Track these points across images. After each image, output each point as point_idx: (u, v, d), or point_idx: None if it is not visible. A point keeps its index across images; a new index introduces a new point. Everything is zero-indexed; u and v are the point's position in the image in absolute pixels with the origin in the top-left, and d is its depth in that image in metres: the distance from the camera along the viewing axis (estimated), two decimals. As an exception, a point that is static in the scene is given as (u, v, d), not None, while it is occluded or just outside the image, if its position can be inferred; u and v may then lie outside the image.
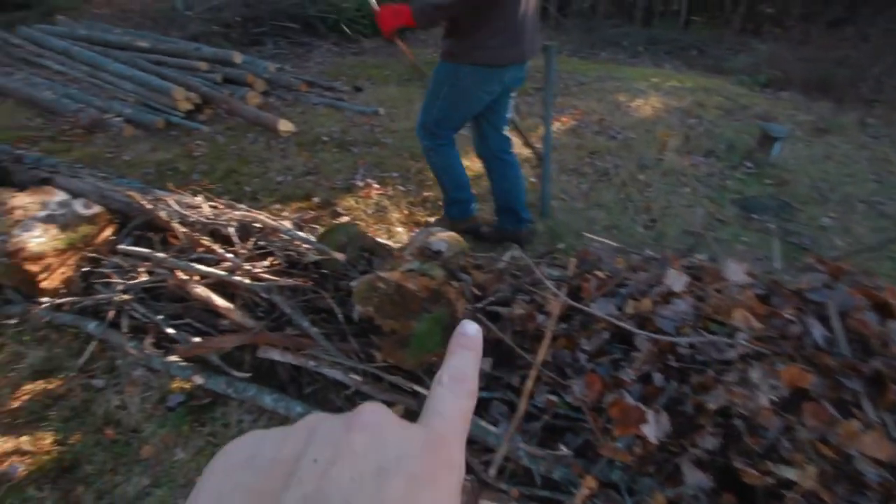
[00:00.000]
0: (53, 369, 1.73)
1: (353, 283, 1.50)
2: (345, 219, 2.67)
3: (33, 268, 1.93)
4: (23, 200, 2.22)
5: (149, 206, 2.16)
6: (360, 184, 3.20)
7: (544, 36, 2.41)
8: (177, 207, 2.15)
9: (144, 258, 2.05)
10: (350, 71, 6.36)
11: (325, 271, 1.88)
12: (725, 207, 2.99)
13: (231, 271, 1.83)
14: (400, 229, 2.65)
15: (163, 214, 2.09)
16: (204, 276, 1.82)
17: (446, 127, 2.19)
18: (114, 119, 4.06)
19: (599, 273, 1.44)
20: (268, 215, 2.01)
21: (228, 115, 4.42)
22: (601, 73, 6.10)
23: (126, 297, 1.89)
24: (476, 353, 0.26)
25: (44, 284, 1.98)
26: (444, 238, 1.80)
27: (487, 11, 1.83)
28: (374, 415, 0.21)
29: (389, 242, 2.08)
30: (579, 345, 1.36)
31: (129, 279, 1.98)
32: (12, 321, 1.94)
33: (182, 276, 1.84)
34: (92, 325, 1.86)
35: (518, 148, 3.82)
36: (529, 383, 1.34)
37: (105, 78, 4.68)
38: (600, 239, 1.68)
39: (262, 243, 2.01)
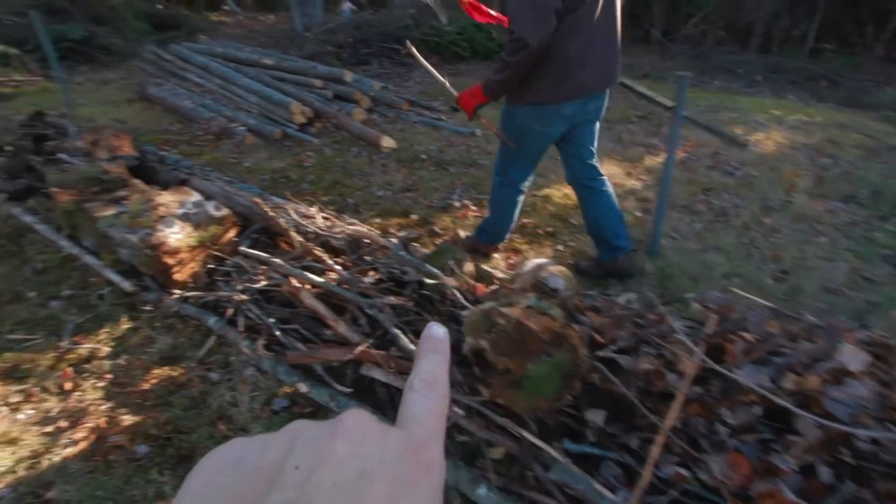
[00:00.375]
0: (177, 357, 1.88)
1: (465, 314, 1.45)
2: (443, 240, 2.67)
3: (169, 261, 2.13)
4: (166, 199, 2.49)
5: (271, 214, 2.30)
6: (457, 204, 3.20)
7: (647, 62, 2.28)
8: (294, 216, 2.27)
9: (262, 262, 2.19)
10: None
11: (427, 293, 1.87)
12: (875, 264, 2.57)
13: (339, 283, 1.88)
14: (496, 255, 2.59)
15: (282, 222, 2.21)
16: (315, 285, 1.88)
17: (513, 166, 2.24)
18: (239, 128, 4.49)
19: (746, 335, 1.26)
20: (377, 232, 2.05)
21: (336, 129, 4.70)
22: (713, 103, 5.67)
23: (243, 297, 2.01)
24: (445, 356, 0.27)
25: (176, 276, 2.17)
26: (557, 274, 1.71)
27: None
28: (357, 421, 0.21)
29: (493, 270, 2.02)
30: (719, 415, 1.19)
31: (247, 280, 2.11)
32: (147, 307, 2.15)
33: (295, 283, 1.92)
34: (212, 320, 2.00)
35: (622, 178, 3.65)
36: (655, 450, 1.19)
37: (235, 91, 5.21)
38: (742, 293, 1.48)
39: (368, 258, 2.04)
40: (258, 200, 2.44)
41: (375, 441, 0.21)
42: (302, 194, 3.35)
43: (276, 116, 4.71)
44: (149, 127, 4.84)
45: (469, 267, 1.80)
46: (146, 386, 1.74)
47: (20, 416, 1.62)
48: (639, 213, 3.04)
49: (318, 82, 5.23)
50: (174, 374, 1.80)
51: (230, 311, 2.00)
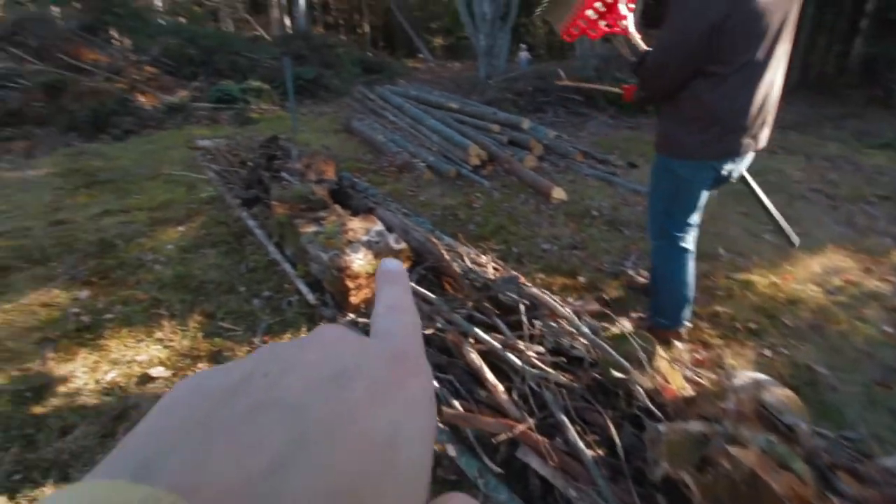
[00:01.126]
0: (340, 379, 1.97)
1: (661, 429, 1.19)
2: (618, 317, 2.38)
3: (350, 284, 2.30)
4: (355, 224, 2.74)
5: (445, 255, 2.34)
6: (632, 272, 2.87)
7: (887, 127, 1.81)
8: (467, 261, 2.26)
9: (427, 300, 2.21)
10: (624, 145, 6.17)
11: (599, 377, 1.63)
12: None
13: (504, 345, 1.76)
14: (680, 345, 2.20)
15: (456, 267, 2.22)
16: (479, 340, 1.80)
17: (674, 223, 2.03)
18: (419, 164, 4.87)
19: None
20: (554, 297, 1.89)
21: (507, 173, 4.77)
22: None
23: (406, 333, 2.04)
24: (405, 286, 0.25)
25: (352, 299, 2.33)
26: (784, 400, 1.32)
27: (709, 93, 1.69)
28: (331, 331, 0.21)
29: (678, 366, 1.68)
30: None
31: (411, 317, 2.15)
32: (323, 322, 2.33)
33: (459, 333, 1.86)
34: (375, 350, 2.06)
35: (857, 275, 2.85)
36: None
37: (421, 130, 5.71)
38: None
39: (538, 322, 1.90)
40: (434, 240, 2.51)
41: (353, 348, 0.20)
42: (468, 235, 3.40)
43: (453, 156, 4.99)
44: (347, 155, 5.57)
45: (662, 363, 1.52)
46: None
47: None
48: (888, 328, 2.30)
49: (496, 127, 5.42)
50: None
51: (392, 345, 2.03)
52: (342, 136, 6.46)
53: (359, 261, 2.34)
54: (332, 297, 2.49)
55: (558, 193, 4.05)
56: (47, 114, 5.88)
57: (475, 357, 1.77)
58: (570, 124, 7.26)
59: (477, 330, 1.83)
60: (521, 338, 1.81)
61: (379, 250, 2.47)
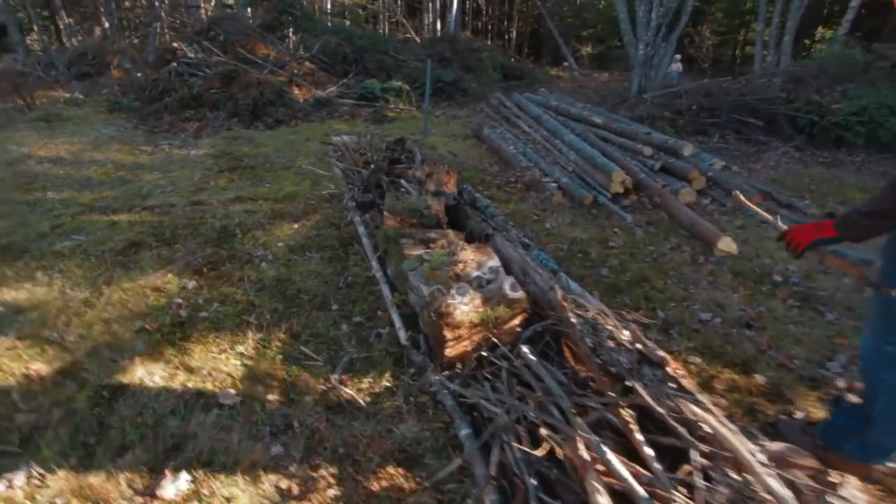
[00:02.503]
0: (415, 459, 1.56)
1: None
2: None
3: (448, 334, 1.88)
4: (467, 256, 2.32)
5: (571, 319, 1.79)
6: (841, 384, 1.99)
7: None
8: (603, 335, 1.68)
9: (540, 378, 1.69)
10: (817, 187, 4.83)
11: None
12: None
13: (653, 495, 1.16)
14: (863, 482, 1.36)
15: (585, 343, 1.66)
16: (613, 473, 1.23)
17: None
18: (550, 184, 4.30)
19: None
20: (739, 443, 1.23)
21: (654, 207, 3.96)
22: None
23: (504, 419, 1.55)
24: None
25: (447, 351, 1.91)
26: None
27: None
28: None
29: None
30: None
31: (515, 396, 1.65)
32: (411, 372, 1.95)
33: (581, 447, 1.31)
34: (464, 431, 1.61)
35: None
36: None
37: (557, 145, 5.12)
38: None
39: (700, 460, 1.26)
40: (560, 296, 1.97)
41: None
42: (599, 283, 2.77)
43: (590, 179, 4.32)
44: (472, 163, 5.23)
45: None
46: (374, 485, 1.46)
47: (276, 448, 1.58)
48: None
49: (647, 150, 4.60)
50: (405, 484, 1.47)
51: (485, 434, 1.56)
52: (470, 143, 6.16)
53: (463, 307, 1.91)
54: (425, 340, 2.10)
55: (726, 245, 3.16)
56: (219, 100, 6.60)
57: (600, 493, 1.21)
58: (741, 153, 5.99)
59: (610, 456, 1.26)
60: (680, 484, 1.20)
61: (490, 295, 2.01)
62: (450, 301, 1.89)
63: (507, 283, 2.04)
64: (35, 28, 13.95)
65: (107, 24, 13.49)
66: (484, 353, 1.94)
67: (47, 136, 5.50)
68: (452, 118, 7.88)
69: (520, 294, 2.01)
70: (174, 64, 7.15)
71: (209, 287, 2.50)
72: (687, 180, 4.28)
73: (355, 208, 3.47)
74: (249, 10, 11.91)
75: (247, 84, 6.77)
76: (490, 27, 23.55)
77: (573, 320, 1.89)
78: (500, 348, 1.90)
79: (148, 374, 1.87)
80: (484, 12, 23.11)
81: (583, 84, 13.54)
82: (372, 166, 3.86)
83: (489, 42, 18.77)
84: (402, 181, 3.69)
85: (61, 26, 14.58)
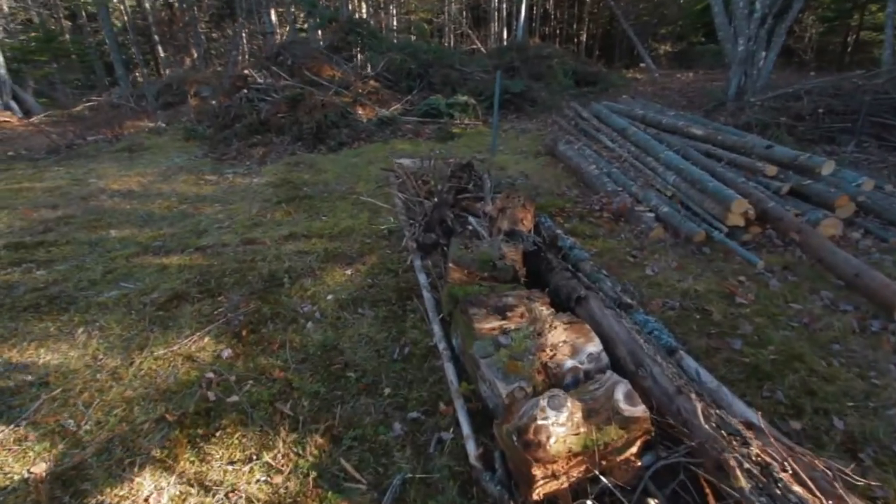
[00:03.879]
0: None
1: None
2: None
3: (537, 472, 1.32)
4: (556, 336, 1.76)
5: (720, 444, 1.16)
6: None
7: None
8: (773, 471, 1.04)
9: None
10: None
11: None
12: None
13: None
14: None
15: (734, 469, 1.03)
16: None
17: None
18: (645, 213, 3.59)
19: None
20: None
21: (787, 245, 3.11)
22: None
23: None
24: None
25: (535, 493, 1.35)
26: None
27: None
28: None
29: None
30: None
31: None
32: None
33: None
34: None
35: None
36: None
37: (650, 164, 4.36)
38: None
39: None
40: (698, 406, 1.34)
41: None
42: (731, 362, 2.06)
43: (696, 207, 3.54)
44: (548, 186, 4.62)
45: None
46: None
47: None
48: None
49: (770, 169, 3.72)
50: None
51: None
52: (543, 161, 5.54)
53: (558, 429, 1.34)
54: (502, 461, 1.55)
55: (916, 308, 2.30)
56: (285, 124, 6.56)
57: None
58: (887, 165, 4.81)
59: None
60: None
61: (595, 406, 1.42)
62: (540, 422, 1.34)
63: (620, 392, 1.44)
64: (138, 63, 15.38)
65: (195, 55, 14.53)
66: (587, 493, 1.36)
67: (126, 166, 5.70)
68: (522, 132, 7.29)
69: (639, 410, 1.40)
70: (245, 91, 7.27)
71: (245, 356, 2.15)
72: (828, 207, 3.37)
73: (416, 249, 3.02)
74: (319, 32, 12.19)
75: (311, 107, 6.68)
76: (559, 31, 22.64)
77: (728, 457, 1.25)
78: (609, 485, 1.31)
79: (156, 490, 1.50)
80: (552, 17, 22.27)
81: (665, 87, 12.31)
82: (435, 199, 3.40)
83: (558, 47, 17.92)
84: (470, 217, 3.19)
85: (159, 59, 15.98)
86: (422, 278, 2.71)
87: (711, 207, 3.41)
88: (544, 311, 1.92)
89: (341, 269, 2.94)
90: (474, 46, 16.20)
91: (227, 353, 2.17)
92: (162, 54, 15.71)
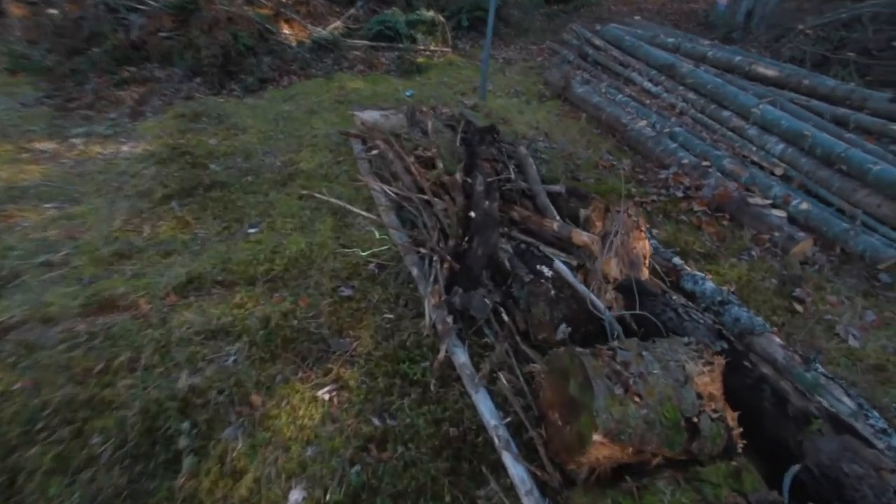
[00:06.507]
0: None
1: None
2: None
3: None
4: None
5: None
6: None
7: None
8: None
9: None
10: None
11: None
12: None
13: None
14: None
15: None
16: None
17: None
18: (767, 209, 2.34)
19: None
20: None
21: None
22: None
23: None
24: None
25: None
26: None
27: None
28: None
29: None
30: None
31: None
32: None
33: None
34: None
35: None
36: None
37: (727, 121, 3.06)
38: None
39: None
40: None
41: None
42: None
43: (835, 199, 2.36)
44: (581, 153, 3.23)
45: None
46: None
47: None
48: None
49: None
50: None
51: None
52: (556, 109, 4.07)
53: None
54: None
55: None
56: (172, 49, 4.38)
57: None
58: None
59: None
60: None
61: None
62: None
63: None
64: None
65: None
66: None
67: None
68: (507, 64, 5.62)
69: None
70: (102, -8, 4.80)
71: None
72: None
73: (450, 325, 1.56)
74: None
75: (212, 22, 4.50)
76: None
77: None
78: None
79: None
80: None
81: (639, 6, 10.80)
82: (454, 200, 1.88)
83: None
84: (557, 260, 1.74)
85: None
86: (485, 407, 1.31)
87: (872, 203, 2.24)
88: None
89: (305, 384, 1.44)
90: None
91: None
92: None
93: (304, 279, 1.87)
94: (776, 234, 2.21)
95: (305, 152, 3.00)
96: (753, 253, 2.16)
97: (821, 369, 1.43)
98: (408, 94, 4.22)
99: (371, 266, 1.92)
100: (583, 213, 1.81)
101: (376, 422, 1.33)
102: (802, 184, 2.53)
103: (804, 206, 2.30)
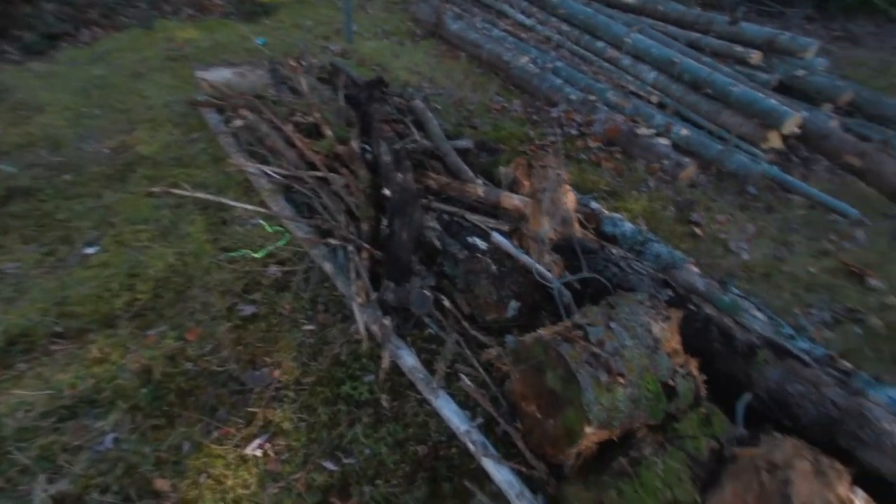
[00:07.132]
0: None
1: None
2: None
3: None
4: None
5: None
6: None
7: None
8: None
9: None
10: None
11: None
12: None
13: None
14: None
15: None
16: None
17: None
18: (654, 139, 2.46)
19: None
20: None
21: (841, 170, 2.43)
22: None
23: None
24: None
25: None
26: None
27: None
28: None
29: None
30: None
31: None
32: None
33: None
34: None
35: None
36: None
37: (603, 52, 3.11)
38: None
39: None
40: None
41: None
42: None
43: (704, 121, 2.57)
44: (470, 96, 3.06)
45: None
46: None
47: None
48: None
49: (754, 55, 2.90)
50: None
51: None
52: (432, 49, 3.78)
53: None
54: None
55: None
56: None
57: None
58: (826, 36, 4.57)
59: None
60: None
61: None
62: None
63: None
64: None
65: None
66: None
67: None
68: (366, -1, 5.05)
69: None
70: None
71: None
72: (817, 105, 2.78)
73: (387, 326, 1.35)
74: None
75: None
76: None
77: None
78: None
79: None
80: None
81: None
82: (386, 192, 1.60)
83: None
84: (459, 215, 1.57)
85: None
86: (450, 412, 1.17)
87: (735, 123, 2.48)
88: None
89: (225, 444, 1.14)
90: None
91: None
92: None
93: (184, 303, 1.47)
94: (665, 161, 2.34)
95: (141, 131, 2.35)
96: (651, 184, 2.27)
97: (735, 291, 1.56)
98: (259, 42, 3.54)
99: (271, 269, 1.58)
100: (503, 170, 1.67)
101: (330, 465, 1.11)
102: (676, 110, 2.70)
103: (684, 132, 2.46)
